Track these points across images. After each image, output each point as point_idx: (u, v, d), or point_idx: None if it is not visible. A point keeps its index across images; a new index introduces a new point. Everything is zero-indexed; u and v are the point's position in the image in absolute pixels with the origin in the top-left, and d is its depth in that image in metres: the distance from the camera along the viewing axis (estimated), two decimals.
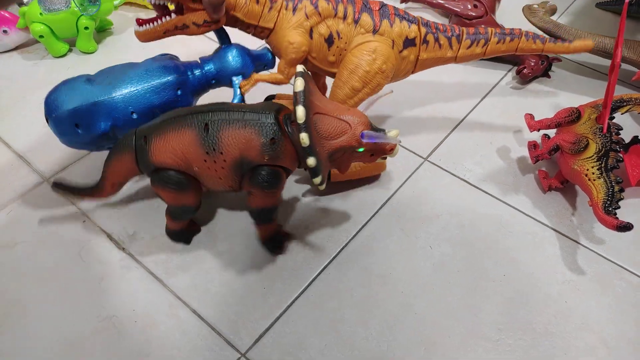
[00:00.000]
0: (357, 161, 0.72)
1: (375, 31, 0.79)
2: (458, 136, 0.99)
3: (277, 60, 0.83)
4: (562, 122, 0.85)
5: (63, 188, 0.75)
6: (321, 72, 0.84)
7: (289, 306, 0.74)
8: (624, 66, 1.09)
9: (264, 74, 0.81)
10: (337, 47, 0.79)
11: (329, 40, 0.79)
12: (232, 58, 0.79)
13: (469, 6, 1.10)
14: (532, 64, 1.07)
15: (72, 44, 1.15)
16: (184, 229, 0.79)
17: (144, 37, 0.74)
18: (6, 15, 1.10)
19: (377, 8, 0.79)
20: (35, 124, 0.98)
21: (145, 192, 0.87)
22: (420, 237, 0.83)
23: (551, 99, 1.07)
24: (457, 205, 0.87)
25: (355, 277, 0.77)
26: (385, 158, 0.75)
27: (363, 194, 0.88)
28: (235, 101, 0.78)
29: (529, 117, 0.90)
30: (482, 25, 0.91)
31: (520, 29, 0.85)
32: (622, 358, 0.70)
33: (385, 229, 0.83)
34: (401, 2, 1.19)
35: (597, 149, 0.80)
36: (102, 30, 1.20)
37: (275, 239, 0.79)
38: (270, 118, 0.66)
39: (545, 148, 0.86)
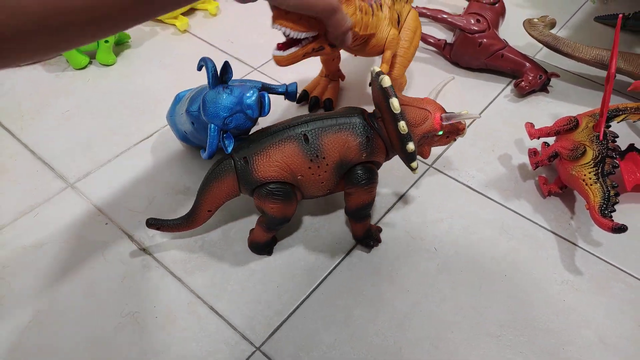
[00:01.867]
0: (437, 145, 0.79)
1: (407, 0, 0.94)
2: (461, 144, 1.04)
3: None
4: (560, 130, 0.89)
5: (157, 224, 0.79)
6: (375, 53, 0.90)
7: (301, 303, 0.78)
8: (621, 77, 1.14)
9: (385, 65, 0.89)
10: (401, 24, 0.92)
11: (398, 22, 0.90)
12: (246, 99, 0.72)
13: (472, 21, 1.14)
14: (530, 77, 1.11)
15: (92, 56, 1.20)
16: (269, 240, 0.82)
17: (287, 62, 0.72)
18: None
19: None
20: (58, 131, 1.03)
21: (163, 196, 0.91)
22: (425, 239, 0.87)
23: (550, 109, 1.12)
24: (461, 209, 0.92)
25: (363, 277, 0.81)
26: (456, 140, 0.81)
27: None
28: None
29: (529, 125, 0.94)
30: None
31: None
32: (618, 353, 0.73)
33: (392, 232, 0.87)
34: None
35: (594, 156, 0.84)
36: (120, 44, 1.25)
37: (370, 234, 0.84)
38: (360, 119, 0.73)
39: (545, 155, 0.90)
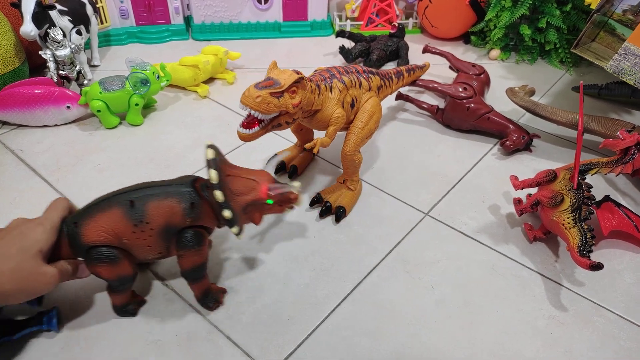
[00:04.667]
0: (269, 213, 0.85)
1: (370, 88, 1.06)
2: (454, 195, 1.14)
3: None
4: (541, 182, 1.00)
5: None
6: (342, 129, 1.04)
7: (310, 334, 0.85)
8: (595, 137, 1.27)
9: (320, 139, 0.96)
10: (356, 107, 1.03)
11: (352, 105, 1.02)
12: None
13: (460, 89, 1.30)
14: (514, 138, 1.24)
15: (122, 117, 1.35)
16: (129, 302, 0.86)
17: (250, 138, 0.86)
18: (70, 94, 1.31)
19: (362, 71, 1.07)
20: (91, 182, 1.14)
21: None
22: (422, 278, 0.95)
23: (533, 165, 1.24)
24: (455, 252, 1.01)
25: (367, 311, 0.89)
26: (293, 208, 0.88)
27: (372, 241, 1.02)
28: None
29: (514, 178, 1.05)
30: (401, 67, 1.27)
31: (414, 65, 1.32)
32: None
33: (392, 272, 0.96)
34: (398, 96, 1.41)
35: (571, 203, 0.94)
36: (148, 107, 1.40)
37: (209, 294, 0.88)
38: (188, 187, 0.79)
39: (528, 203, 1.01)
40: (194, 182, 0.81)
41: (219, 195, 0.76)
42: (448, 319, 0.88)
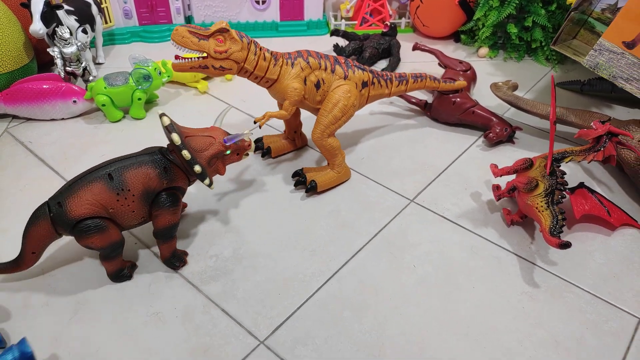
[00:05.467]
0: (229, 162, 0.97)
1: (345, 77, 1.11)
2: (439, 183, 1.21)
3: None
4: (518, 169, 1.07)
5: None
6: (309, 108, 1.13)
7: (299, 307, 0.92)
8: (573, 129, 1.33)
9: (274, 111, 1.07)
10: (322, 89, 1.10)
11: (317, 85, 1.09)
12: None
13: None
14: (497, 130, 1.31)
15: (125, 111, 1.42)
16: (122, 267, 0.94)
17: (177, 68, 1.00)
18: (76, 89, 1.38)
19: (343, 61, 1.12)
20: None
21: (184, 222, 1.08)
22: (405, 259, 1.02)
23: (516, 156, 1.30)
24: (437, 235, 1.07)
25: (352, 288, 0.96)
26: (248, 154, 0.99)
27: (359, 225, 1.09)
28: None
29: (494, 166, 1.12)
30: (407, 73, 1.26)
31: (426, 74, 1.28)
32: (567, 350, 0.86)
33: (377, 252, 1.03)
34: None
35: (545, 188, 1.01)
36: (150, 102, 1.48)
37: (176, 255, 0.97)
38: (157, 155, 0.90)
39: (505, 188, 1.07)
40: (160, 150, 0.91)
41: (186, 153, 0.86)
42: (427, 294, 0.95)
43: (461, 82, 1.34)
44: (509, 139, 1.34)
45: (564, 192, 1.02)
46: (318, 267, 1.00)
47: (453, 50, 1.82)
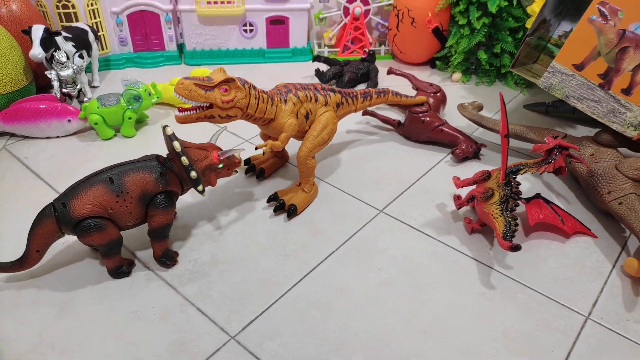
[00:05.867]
0: (220, 176, 1.05)
1: (326, 104, 1.21)
2: (407, 195, 1.29)
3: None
4: (477, 180, 1.15)
5: None
6: (298, 137, 1.20)
7: (269, 306, 0.99)
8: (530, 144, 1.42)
9: (271, 141, 1.13)
10: (310, 119, 1.19)
11: (306, 116, 1.18)
12: None
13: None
14: (463, 147, 1.40)
15: (117, 130, 1.51)
16: (121, 264, 1.02)
17: (182, 121, 1.03)
18: (71, 109, 1.48)
19: (320, 88, 1.22)
20: None
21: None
22: (372, 263, 1.09)
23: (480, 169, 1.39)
24: (403, 242, 1.15)
25: (320, 290, 1.03)
26: (237, 171, 1.09)
27: (330, 233, 1.16)
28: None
29: (456, 178, 1.20)
30: (371, 89, 1.37)
31: (389, 89, 1.40)
32: (518, 346, 0.92)
33: (345, 258, 1.10)
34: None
35: (500, 197, 1.09)
36: (140, 121, 1.57)
37: (167, 254, 1.05)
38: (154, 161, 1.00)
39: (465, 197, 1.16)
40: (157, 157, 1.01)
41: (185, 159, 0.96)
42: (391, 295, 1.02)
43: (421, 97, 1.46)
44: (475, 156, 1.43)
45: (518, 201, 1.10)
46: (290, 270, 1.07)
47: (429, 75, 1.93)
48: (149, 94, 1.49)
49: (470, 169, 1.40)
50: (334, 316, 0.97)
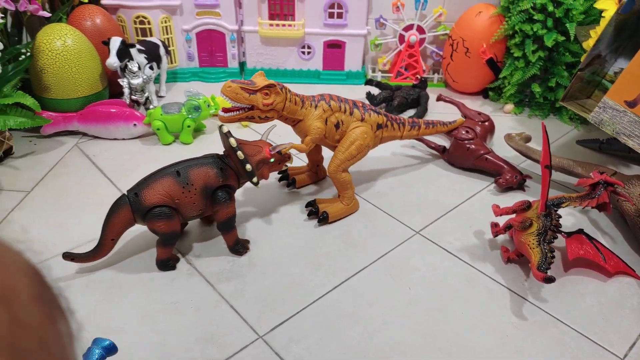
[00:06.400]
0: (272, 170, 1.14)
1: (362, 119, 1.24)
2: (445, 220, 1.30)
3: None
4: (517, 210, 1.15)
5: (71, 256, 1.06)
6: (328, 145, 1.27)
7: (299, 312, 1.03)
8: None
9: (296, 143, 1.20)
10: (341, 129, 1.24)
11: (337, 126, 1.23)
12: None
13: (463, 131, 1.48)
14: (507, 177, 1.39)
15: (176, 137, 1.62)
16: (170, 257, 1.10)
17: (225, 121, 1.14)
18: (137, 114, 1.60)
19: (360, 105, 1.26)
20: None
21: (206, 232, 1.23)
22: (402, 281, 1.11)
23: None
24: (436, 265, 1.16)
25: (349, 301, 1.05)
26: (287, 166, 1.17)
27: (365, 248, 1.19)
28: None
29: (495, 206, 1.20)
30: (420, 119, 1.42)
31: (437, 120, 1.44)
32: None
33: (377, 274, 1.13)
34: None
35: (538, 227, 1.08)
36: (198, 130, 1.68)
37: (239, 243, 1.15)
38: (215, 157, 1.10)
39: (503, 225, 1.15)
40: (217, 155, 1.12)
41: (240, 154, 1.06)
42: (418, 314, 1.03)
43: (460, 119, 1.51)
44: (520, 186, 1.42)
45: (557, 234, 1.09)
46: (321, 279, 1.10)
47: (480, 105, 1.94)
48: (208, 106, 1.59)
49: (512, 200, 1.38)
50: (359, 327, 0.99)
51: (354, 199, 1.30)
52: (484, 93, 1.99)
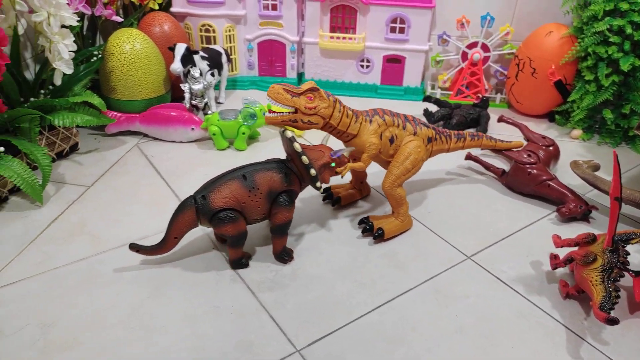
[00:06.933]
0: (332, 175, 1.12)
1: (415, 133, 1.22)
2: (501, 247, 1.24)
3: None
4: (580, 243, 1.07)
5: (137, 248, 1.10)
6: (381, 161, 1.24)
7: (338, 329, 1.00)
8: None
9: (350, 164, 1.17)
10: (395, 144, 1.21)
11: (391, 140, 1.20)
12: None
13: (524, 155, 1.40)
14: (571, 206, 1.30)
15: (230, 143, 1.65)
16: (242, 256, 1.13)
17: (269, 121, 1.14)
18: (196, 119, 1.64)
19: (411, 119, 1.24)
20: (194, 186, 1.42)
21: (254, 239, 1.23)
22: (449, 307, 1.06)
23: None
24: (487, 293, 1.10)
25: (391, 323, 1.01)
26: (345, 171, 1.14)
27: (411, 269, 1.15)
28: None
29: (556, 236, 1.12)
30: (466, 131, 1.44)
31: (482, 133, 1.41)
32: None
33: (422, 297, 1.08)
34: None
35: (603, 263, 1.00)
36: (252, 138, 1.70)
37: (285, 250, 1.15)
38: (279, 162, 1.11)
39: (563, 258, 1.08)
40: (281, 160, 1.13)
41: (305, 158, 1.07)
42: (463, 343, 0.97)
43: (518, 142, 1.45)
44: (584, 217, 1.32)
45: (624, 272, 1.00)
46: (363, 298, 1.07)
47: (545, 129, 1.84)
48: (264, 114, 1.61)
49: (575, 231, 1.29)
50: (400, 352, 0.95)
51: (408, 215, 1.26)
52: (550, 116, 1.90)
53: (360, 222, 1.27)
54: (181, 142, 1.67)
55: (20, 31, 1.42)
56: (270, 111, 1.14)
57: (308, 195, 1.39)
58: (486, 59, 1.99)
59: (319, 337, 0.98)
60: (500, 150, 1.46)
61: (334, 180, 1.49)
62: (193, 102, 1.72)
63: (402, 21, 1.91)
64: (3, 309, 1.01)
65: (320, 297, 1.07)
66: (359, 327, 1.00)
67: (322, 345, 0.96)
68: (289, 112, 1.12)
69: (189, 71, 1.69)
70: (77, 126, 1.53)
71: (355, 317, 1.03)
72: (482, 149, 1.54)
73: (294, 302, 1.06)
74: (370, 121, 1.19)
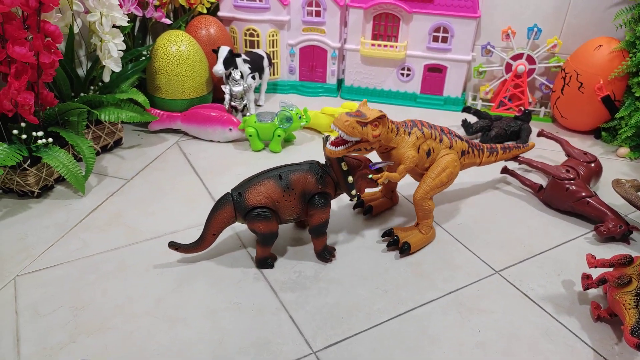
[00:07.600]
0: (368, 186, 1.12)
1: (451, 147, 1.20)
2: (532, 264, 1.20)
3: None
4: (615, 264, 1.02)
5: (176, 246, 1.13)
6: (415, 173, 1.23)
7: (356, 334, 1.00)
8: None
9: (387, 173, 1.14)
10: (432, 157, 1.19)
11: (428, 153, 1.18)
12: None
13: (562, 170, 1.36)
14: (610, 225, 1.25)
15: (266, 145, 1.68)
16: (269, 256, 1.14)
17: (335, 154, 1.09)
18: (234, 120, 1.69)
19: (447, 132, 1.22)
20: (228, 185, 1.45)
21: (286, 240, 1.24)
22: (472, 321, 1.03)
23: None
24: (513, 310, 1.07)
25: (410, 332, 1.00)
26: (383, 184, 1.16)
27: (435, 280, 1.13)
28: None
29: (590, 256, 1.08)
30: (497, 145, 1.39)
31: (512, 144, 1.42)
32: None
33: (445, 309, 1.06)
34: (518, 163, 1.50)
35: (638, 287, 0.96)
36: (288, 141, 1.72)
37: (326, 250, 1.16)
38: (316, 165, 1.12)
39: (596, 279, 1.03)
40: (317, 163, 1.15)
41: (344, 165, 1.10)
42: (483, 359, 0.95)
43: (532, 143, 1.48)
44: (623, 238, 1.26)
45: None
46: (385, 305, 1.06)
47: (590, 146, 1.77)
48: (300, 117, 1.63)
49: (612, 252, 1.24)
50: None
51: (432, 228, 1.24)
52: (595, 133, 1.82)
53: (384, 235, 1.26)
54: (219, 141, 1.71)
55: (75, 30, 1.51)
56: (332, 143, 1.08)
57: (336, 201, 1.40)
58: (531, 71, 1.93)
59: (336, 340, 0.98)
60: (537, 166, 1.42)
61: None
62: (232, 103, 1.77)
63: (446, 30, 1.89)
64: (40, 290, 1.08)
65: (340, 301, 1.07)
66: (377, 333, 1.00)
67: (339, 349, 0.96)
68: (355, 142, 1.08)
69: (230, 73, 1.74)
70: (122, 122, 1.60)
71: (375, 323, 1.02)
72: (519, 164, 1.50)
73: (314, 304, 1.06)
74: (409, 133, 1.17)
